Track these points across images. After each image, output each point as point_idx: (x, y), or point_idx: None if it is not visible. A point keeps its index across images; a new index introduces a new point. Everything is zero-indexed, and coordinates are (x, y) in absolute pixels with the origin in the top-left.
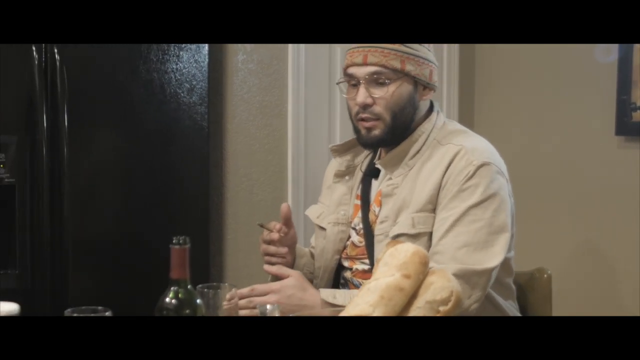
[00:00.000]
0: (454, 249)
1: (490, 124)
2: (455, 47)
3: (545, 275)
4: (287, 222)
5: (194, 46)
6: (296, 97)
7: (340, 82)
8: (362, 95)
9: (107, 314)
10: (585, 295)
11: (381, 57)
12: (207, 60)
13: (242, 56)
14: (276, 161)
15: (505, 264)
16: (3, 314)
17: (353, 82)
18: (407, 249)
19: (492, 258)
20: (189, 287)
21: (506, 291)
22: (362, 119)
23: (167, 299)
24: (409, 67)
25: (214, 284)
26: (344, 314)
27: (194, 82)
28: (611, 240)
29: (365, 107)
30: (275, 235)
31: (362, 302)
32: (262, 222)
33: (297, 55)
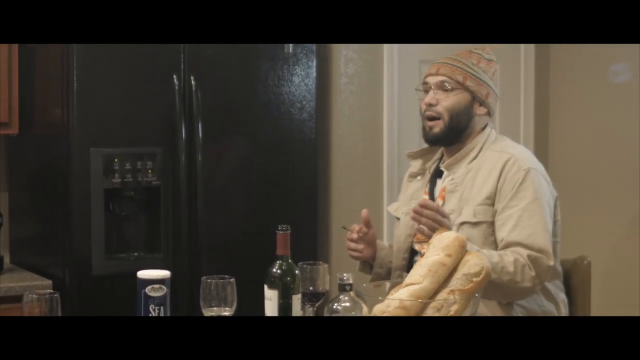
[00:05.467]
0: (523, 239)
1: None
2: (531, 57)
3: (585, 262)
4: (367, 224)
5: (303, 72)
6: (390, 114)
7: (418, 89)
8: (429, 97)
9: (232, 279)
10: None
11: (450, 70)
12: (315, 83)
13: (345, 79)
14: (373, 168)
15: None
16: (160, 277)
17: (427, 88)
18: (450, 235)
19: (549, 250)
20: (289, 261)
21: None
22: (427, 118)
23: (274, 270)
24: (469, 83)
25: (311, 262)
26: (403, 283)
27: (304, 102)
28: None
29: (430, 105)
30: (354, 235)
31: (415, 274)
32: (344, 225)
33: (391, 79)
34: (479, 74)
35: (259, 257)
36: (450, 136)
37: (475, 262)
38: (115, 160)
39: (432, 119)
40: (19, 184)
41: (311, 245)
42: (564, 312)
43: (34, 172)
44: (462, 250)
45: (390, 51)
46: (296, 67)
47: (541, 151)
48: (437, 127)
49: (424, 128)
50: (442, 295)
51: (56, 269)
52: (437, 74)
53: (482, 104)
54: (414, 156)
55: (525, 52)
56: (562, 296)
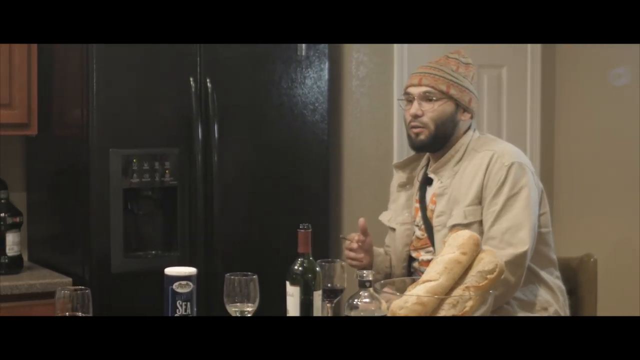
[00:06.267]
0: (501, 233)
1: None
2: (537, 57)
3: (592, 260)
4: (364, 232)
5: (316, 74)
6: (400, 116)
7: (401, 100)
8: (414, 108)
9: (254, 276)
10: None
11: (432, 80)
12: (327, 86)
13: (356, 82)
14: (383, 168)
15: (542, 238)
16: (187, 273)
17: (410, 98)
18: (465, 234)
19: (526, 239)
20: (310, 258)
21: (544, 260)
22: (412, 127)
23: (296, 267)
24: (452, 91)
25: (329, 259)
26: (420, 280)
27: (317, 104)
28: None
29: (415, 117)
30: (354, 245)
31: (432, 271)
32: (343, 235)
33: (401, 81)
34: (460, 80)
35: (272, 256)
36: (436, 144)
37: (489, 259)
38: (134, 160)
39: (417, 127)
40: (38, 184)
41: (323, 244)
42: (561, 299)
43: (53, 173)
44: (476, 249)
45: (400, 54)
46: (309, 69)
47: (547, 151)
48: (423, 134)
49: (409, 136)
50: (458, 291)
51: (75, 267)
52: (419, 85)
53: (465, 109)
54: (400, 167)
55: (531, 52)
56: (558, 283)
